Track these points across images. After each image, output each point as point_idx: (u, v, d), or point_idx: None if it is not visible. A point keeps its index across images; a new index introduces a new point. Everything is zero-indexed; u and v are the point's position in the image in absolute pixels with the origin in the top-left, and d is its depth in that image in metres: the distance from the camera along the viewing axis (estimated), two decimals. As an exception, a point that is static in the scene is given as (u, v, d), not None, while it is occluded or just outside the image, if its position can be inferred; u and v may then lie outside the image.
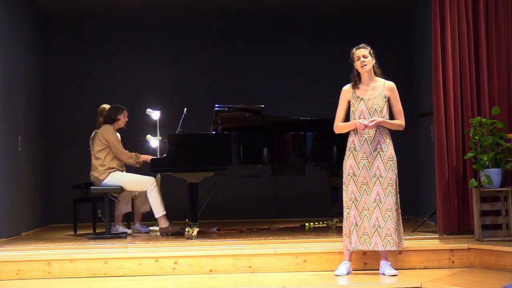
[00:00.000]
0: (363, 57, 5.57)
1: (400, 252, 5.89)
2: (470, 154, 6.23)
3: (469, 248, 5.94)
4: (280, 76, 9.35)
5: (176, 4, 9.03)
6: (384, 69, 9.34)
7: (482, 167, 6.12)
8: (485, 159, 6.08)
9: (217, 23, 9.46)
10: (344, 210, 5.63)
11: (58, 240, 7.14)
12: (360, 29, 9.15)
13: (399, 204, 5.58)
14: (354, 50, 5.64)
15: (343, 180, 5.64)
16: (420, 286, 5.24)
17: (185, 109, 7.48)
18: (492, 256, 5.79)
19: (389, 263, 5.64)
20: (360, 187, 5.55)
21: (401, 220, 5.61)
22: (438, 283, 5.21)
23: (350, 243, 5.57)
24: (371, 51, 5.62)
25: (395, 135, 8.00)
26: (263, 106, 7.47)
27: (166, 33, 9.44)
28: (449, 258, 5.93)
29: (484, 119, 6.18)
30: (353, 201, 5.55)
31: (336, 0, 9.03)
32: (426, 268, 5.88)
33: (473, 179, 6.21)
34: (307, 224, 7.90)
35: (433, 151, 6.72)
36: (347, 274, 5.61)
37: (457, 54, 6.48)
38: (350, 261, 5.69)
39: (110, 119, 7.49)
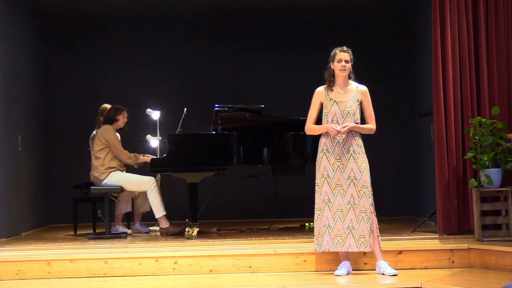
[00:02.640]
0: (345, 61, 5.60)
1: (400, 252, 5.89)
2: (470, 154, 6.23)
3: (469, 248, 5.94)
4: (280, 76, 9.35)
5: (176, 4, 9.03)
6: (384, 69, 9.38)
7: (482, 167, 6.12)
8: (485, 159, 6.08)
9: (217, 23, 9.45)
10: (315, 212, 5.66)
11: (58, 240, 7.14)
12: (360, 29, 9.15)
13: (373, 206, 5.60)
14: (337, 51, 5.64)
15: (316, 181, 5.66)
16: (420, 286, 5.24)
17: (185, 109, 7.48)
18: (492, 256, 5.79)
19: (387, 262, 5.64)
20: (334, 188, 5.57)
21: (376, 222, 5.62)
22: (438, 283, 5.21)
23: (320, 245, 5.59)
24: (351, 56, 5.65)
25: (395, 135, 8.02)
26: (263, 106, 7.48)
27: (166, 33, 9.43)
28: (449, 258, 5.93)
29: (484, 119, 6.18)
30: (326, 202, 5.58)
31: (337, 0, 9.03)
32: (426, 268, 5.88)
33: (473, 179, 6.20)
34: (307, 224, 7.90)
35: (433, 151, 6.72)
36: (347, 274, 5.62)
37: (457, 54, 6.48)
38: (349, 261, 5.70)
39: (109, 119, 7.51)
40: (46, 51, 9.17)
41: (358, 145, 5.60)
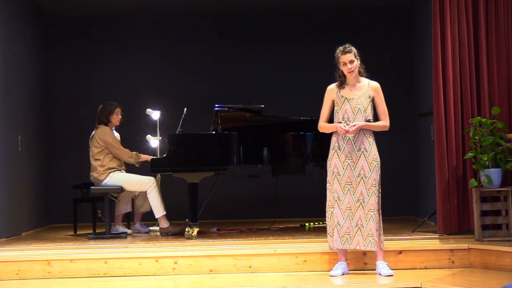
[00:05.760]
0: (350, 62, 5.54)
1: (400, 252, 5.89)
2: (470, 154, 6.23)
3: (469, 248, 5.94)
4: (280, 76, 9.35)
5: (175, 4, 9.03)
6: (384, 69, 9.38)
7: (482, 167, 6.12)
8: (485, 159, 6.08)
9: (217, 23, 9.45)
10: (327, 209, 5.64)
11: (58, 240, 7.14)
12: (360, 29, 9.14)
13: (380, 205, 5.59)
14: (339, 54, 5.56)
15: (327, 179, 5.65)
16: (420, 286, 5.24)
17: (185, 109, 7.48)
18: (492, 256, 5.79)
19: (386, 263, 5.64)
20: (344, 186, 5.56)
21: (381, 221, 5.60)
22: (438, 283, 5.21)
23: (333, 242, 5.58)
24: (356, 53, 5.57)
25: (395, 135, 8.01)
26: (263, 106, 7.47)
27: (166, 33, 9.43)
28: (449, 258, 5.93)
29: (484, 119, 6.18)
30: (336, 200, 5.57)
31: (337, 0, 9.03)
32: (426, 268, 5.88)
33: (473, 179, 6.20)
34: (307, 224, 7.90)
35: (433, 151, 6.72)
36: (342, 274, 5.62)
37: (457, 54, 6.48)
38: (346, 261, 5.70)
39: (103, 121, 7.48)
40: (46, 51, 9.17)
41: (369, 143, 5.56)
